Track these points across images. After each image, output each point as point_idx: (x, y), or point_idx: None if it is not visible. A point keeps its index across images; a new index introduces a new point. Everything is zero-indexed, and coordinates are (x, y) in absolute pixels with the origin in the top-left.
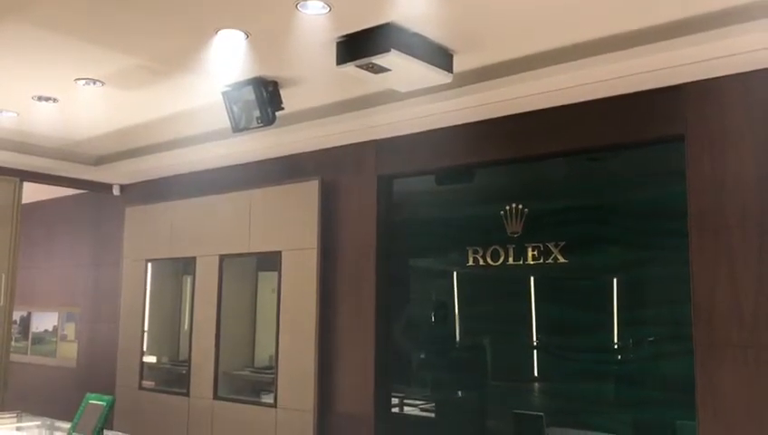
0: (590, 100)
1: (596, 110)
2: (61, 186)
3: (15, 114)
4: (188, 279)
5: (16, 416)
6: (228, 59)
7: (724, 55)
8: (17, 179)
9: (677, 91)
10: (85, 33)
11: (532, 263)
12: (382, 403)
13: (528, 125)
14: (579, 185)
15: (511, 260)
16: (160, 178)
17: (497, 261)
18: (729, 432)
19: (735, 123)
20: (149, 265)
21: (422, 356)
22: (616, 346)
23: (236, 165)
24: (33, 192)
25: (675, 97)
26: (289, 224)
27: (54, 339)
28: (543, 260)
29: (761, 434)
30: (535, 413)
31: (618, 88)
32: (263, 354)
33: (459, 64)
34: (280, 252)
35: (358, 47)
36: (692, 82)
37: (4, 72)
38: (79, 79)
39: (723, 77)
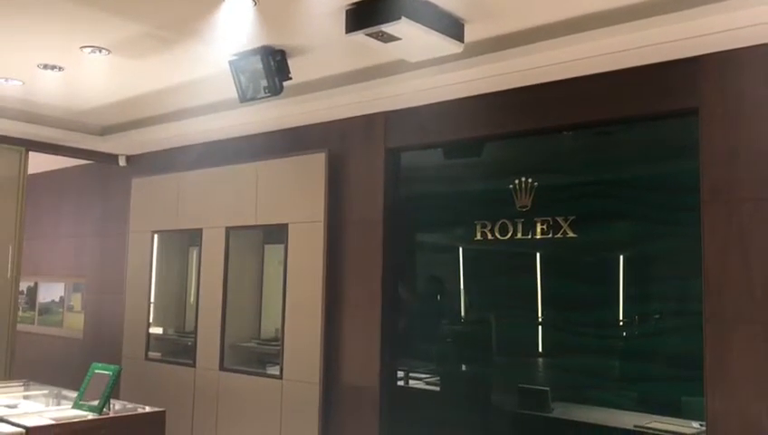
0: (603, 72)
1: (609, 82)
2: (66, 156)
3: (21, 83)
4: (195, 251)
5: (23, 385)
6: (236, 27)
7: (741, 26)
8: (23, 149)
9: (693, 63)
10: (91, 0)
11: (540, 237)
12: (388, 376)
13: (540, 97)
14: (590, 159)
15: (519, 235)
16: (167, 150)
17: (506, 235)
18: (737, 408)
19: (751, 96)
20: (156, 236)
21: (428, 330)
22: (624, 321)
23: (243, 136)
24: (39, 163)
25: (690, 69)
26: (296, 196)
27: (61, 310)
28: (552, 235)
29: None
30: (541, 388)
31: (632, 60)
32: (269, 326)
33: (470, 34)
34: (287, 224)
35: (367, 15)
36: (708, 54)
37: (8, 39)
38: (85, 47)
39: (739, 49)
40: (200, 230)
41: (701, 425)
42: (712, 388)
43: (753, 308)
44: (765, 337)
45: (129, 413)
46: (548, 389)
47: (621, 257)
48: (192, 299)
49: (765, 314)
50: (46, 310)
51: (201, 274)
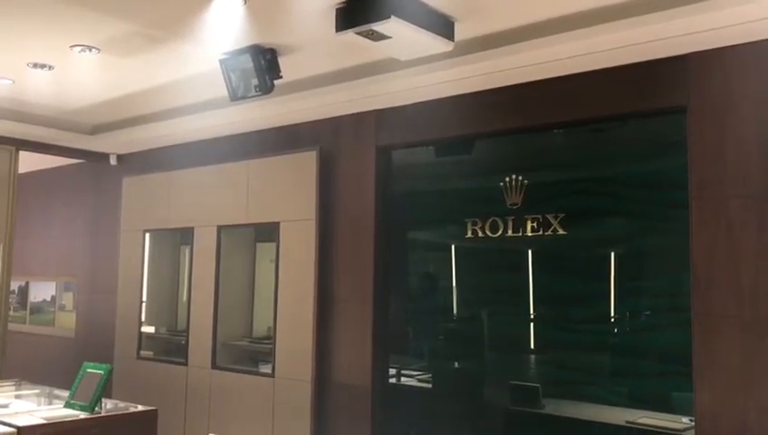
0: (592, 70)
1: (598, 80)
2: (57, 155)
3: (10, 81)
4: (186, 250)
5: (15, 384)
6: (226, 25)
7: (729, 24)
8: (13, 148)
9: (681, 61)
10: None
11: (531, 234)
12: (380, 374)
13: (529, 95)
14: (579, 156)
15: (510, 232)
16: (158, 148)
17: (496, 233)
18: (726, 403)
19: (739, 94)
20: (147, 235)
21: (420, 327)
22: (614, 318)
23: (234, 135)
24: (29, 162)
25: (679, 67)
26: (287, 194)
27: (52, 309)
28: (543, 232)
29: (757, 405)
30: (532, 384)
31: (621, 58)
32: (261, 325)
33: (460, 32)
34: (278, 223)
35: (357, 13)
36: (696, 52)
37: None
38: (75, 46)
39: (728, 47)
40: (192, 229)
41: (691, 420)
42: (700, 383)
43: (740, 304)
44: (753, 332)
45: (121, 412)
46: (539, 385)
47: (612, 254)
48: (184, 298)
49: (753, 310)
50: (38, 309)
51: (193, 272)
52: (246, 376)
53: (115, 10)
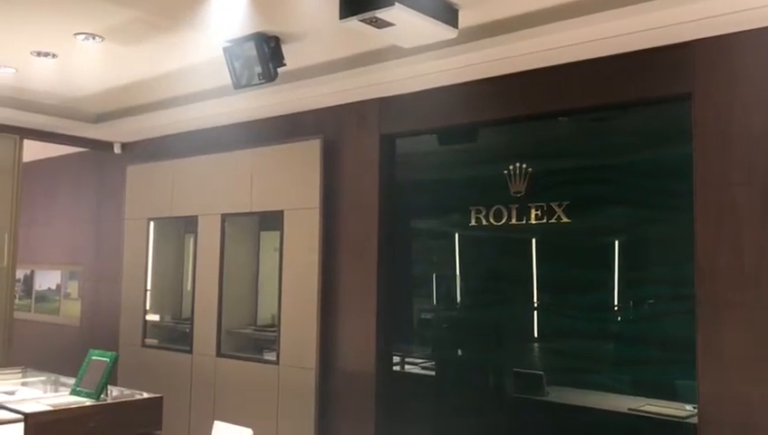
0: (596, 57)
1: (603, 67)
2: (61, 144)
3: (14, 70)
4: (191, 238)
5: (21, 371)
6: (230, 13)
7: (734, 11)
8: (17, 137)
9: (686, 48)
10: None
11: (534, 223)
12: (384, 361)
13: (534, 83)
14: (584, 144)
15: (514, 220)
16: (162, 137)
17: (500, 221)
18: (728, 391)
19: (744, 81)
20: (151, 223)
21: (424, 315)
22: (618, 306)
23: (238, 123)
24: (34, 150)
25: (683, 54)
26: (291, 183)
27: (58, 297)
28: (546, 220)
29: (760, 394)
30: (536, 372)
31: (625, 45)
32: (265, 313)
33: (464, 20)
34: (282, 211)
35: (361, 1)
36: (701, 39)
37: (1, 26)
38: (78, 34)
39: (733, 34)
40: (196, 217)
41: (693, 408)
42: (703, 371)
43: (744, 292)
44: (756, 321)
45: (127, 399)
46: (542, 373)
47: (616, 242)
48: (188, 286)
49: (756, 298)
50: (43, 298)
51: (197, 260)
52: (251, 364)
53: None
